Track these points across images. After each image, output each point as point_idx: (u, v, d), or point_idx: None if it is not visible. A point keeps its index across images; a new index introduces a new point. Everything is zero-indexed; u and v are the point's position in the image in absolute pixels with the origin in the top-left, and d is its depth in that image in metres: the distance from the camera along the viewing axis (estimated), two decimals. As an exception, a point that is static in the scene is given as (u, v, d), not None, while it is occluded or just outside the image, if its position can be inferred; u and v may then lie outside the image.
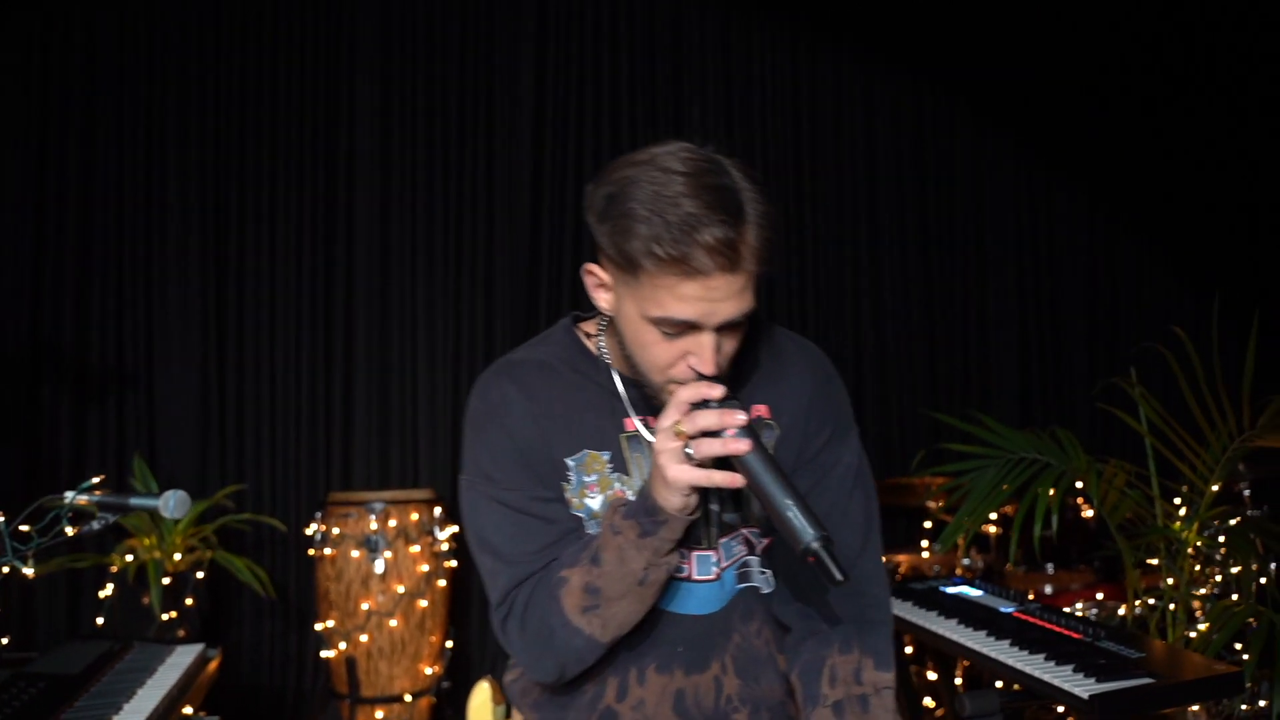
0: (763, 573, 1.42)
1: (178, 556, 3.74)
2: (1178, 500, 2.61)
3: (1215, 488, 2.47)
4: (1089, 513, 3.79)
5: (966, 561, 3.95)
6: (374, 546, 3.66)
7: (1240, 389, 2.37)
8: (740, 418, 1.18)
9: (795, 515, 1.15)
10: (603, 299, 1.31)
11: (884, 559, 3.98)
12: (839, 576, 1.13)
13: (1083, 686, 1.81)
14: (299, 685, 4.27)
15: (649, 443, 1.33)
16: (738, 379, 1.39)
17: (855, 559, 1.38)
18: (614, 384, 1.37)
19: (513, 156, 4.59)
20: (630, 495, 1.33)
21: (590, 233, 1.27)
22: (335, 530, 3.70)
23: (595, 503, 1.34)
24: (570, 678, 1.35)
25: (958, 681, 3.35)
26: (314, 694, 4.20)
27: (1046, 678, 1.88)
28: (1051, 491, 2.49)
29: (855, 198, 5.00)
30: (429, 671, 3.78)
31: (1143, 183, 5.19)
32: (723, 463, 1.20)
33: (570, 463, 1.35)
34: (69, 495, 1.96)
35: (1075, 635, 2.11)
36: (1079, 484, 2.62)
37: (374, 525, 3.66)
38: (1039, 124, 5.14)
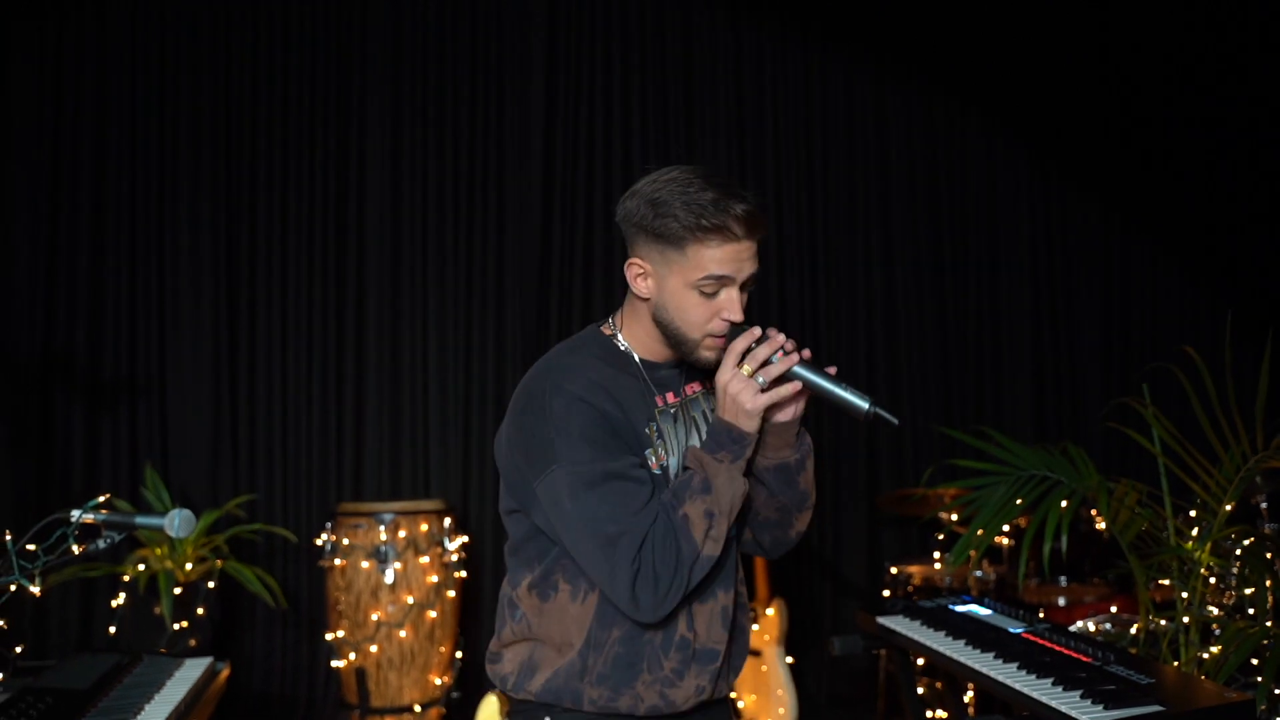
0: None
1: (189, 567, 3.76)
2: (1195, 518, 2.58)
3: (1229, 507, 2.44)
4: (1101, 526, 3.76)
5: (979, 574, 3.93)
6: (384, 557, 3.67)
7: (1254, 408, 2.34)
8: (781, 338, 1.51)
9: (849, 394, 1.49)
10: (643, 286, 1.58)
11: (896, 570, 3.91)
12: (896, 422, 1.48)
13: (1090, 714, 1.79)
14: (310, 695, 4.27)
15: (672, 417, 1.62)
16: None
17: None
18: (641, 371, 1.63)
19: (524, 169, 4.60)
20: (667, 459, 1.59)
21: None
22: (345, 541, 3.72)
23: (669, 462, 1.60)
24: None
25: (968, 696, 3.33)
26: (325, 704, 4.21)
27: (1054, 704, 1.85)
28: (1064, 505, 2.46)
29: (868, 211, 4.97)
30: (438, 682, 3.79)
31: (1159, 199, 5.15)
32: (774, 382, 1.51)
33: (647, 429, 1.59)
34: (75, 514, 1.97)
35: (1085, 659, 2.08)
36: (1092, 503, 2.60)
37: (384, 536, 3.67)
38: (1053, 137, 5.10)
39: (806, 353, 1.53)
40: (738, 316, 1.55)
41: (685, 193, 1.51)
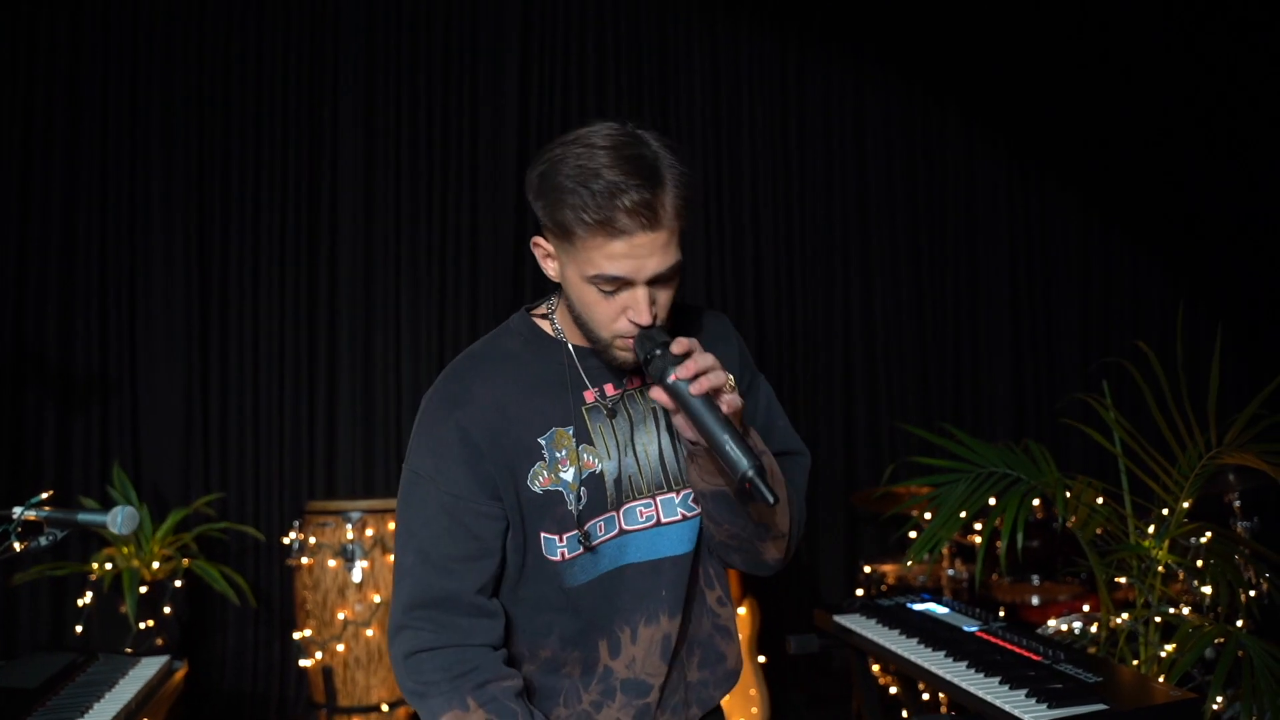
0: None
1: (155, 565, 3.73)
2: (1154, 514, 2.57)
3: (1186, 504, 2.42)
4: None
5: (952, 573, 3.91)
6: (350, 556, 3.64)
7: (1207, 404, 2.32)
8: (683, 346, 1.32)
9: (732, 448, 1.26)
10: (550, 268, 1.44)
11: (870, 569, 3.87)
12: (771, 500, 1.24)
13: (1033, 713, 1.78)
14: (282, 694, 4.25)
15: (609, 410, 1.47)
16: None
17: (789, 433, 1.62)
18: (572, 358, 1.48)
19: (496, 164, 4.58)
20: (598, 465, 1.44)
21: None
22: (312, 539, 3.69)
23: (569, 475, 1.44)
24: None
25: (926, 696, 3.32)
26: (295, 703, 4.19)
27: (998, 703, 1.85)
28: (1019, 506, 2.45)
29: (845, 207, 4.96)
30: (407, 682, 3.76)
31: (1136, 195, 5.16)
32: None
33: (541, 441, 1.44)
34: (17, 510, 1.95)
35: (1035, 657, 2.07)
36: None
37: (350, 534, 3.65)
38: (1030, 128, 5.10)
39: (706, 383, 1.29)
40: (643, 319, 1.35)
41: (580, 173, 1.30)
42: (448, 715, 1.37)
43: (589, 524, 1.45)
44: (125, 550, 3.74)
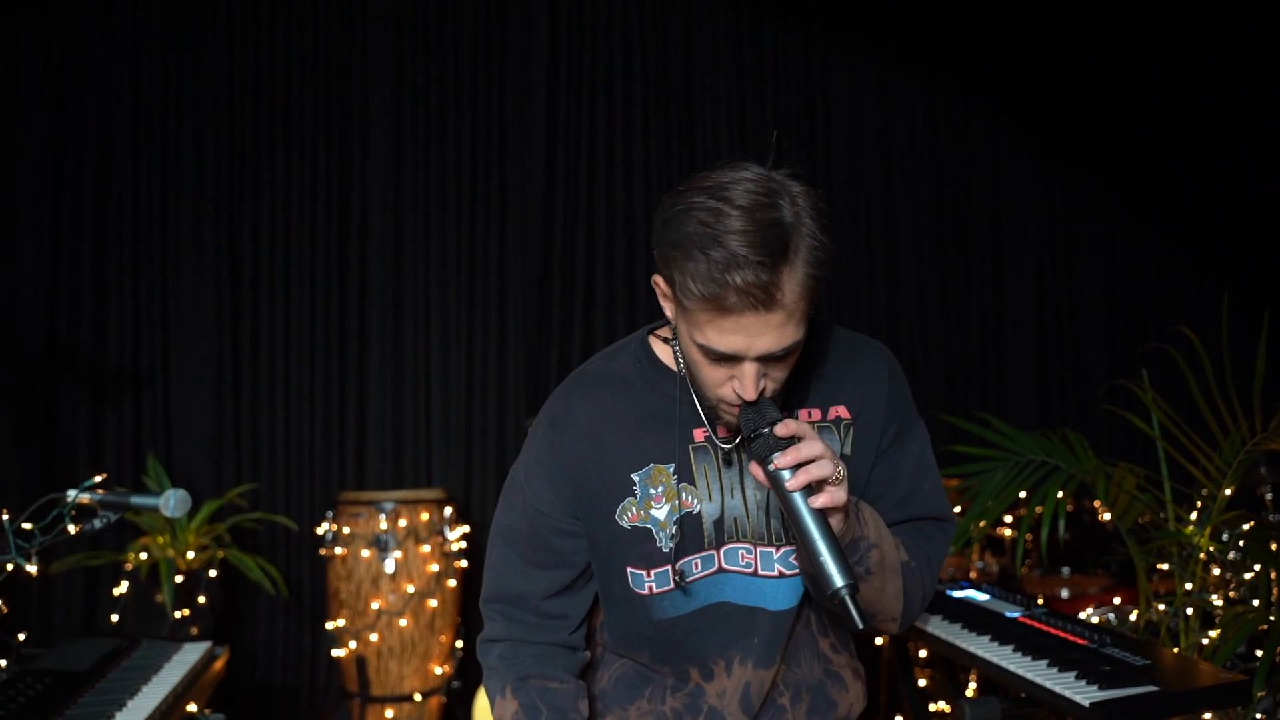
0: None
1: (191, 555, 3.76)
2: (1197, 504, 2.57)
3: (1228, 491, 2.42)
4: (1106, 516, 3.74)
5: (981, 565, 3.91)
6: (384, 546, 3.67)
7: (1253, 390, 2.32)
8: (789, 429, 1.22)
9: (825, 560, 1.17)
10: (668, 309, 1.33)
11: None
12: (859, 625, 1.17)
13: (1084, 694, 1.78)
14: (312, 683, 4.28)
15: (722, 450, 1.40)
16: (810, 384, 1.45)
17: (936, 497, 1.53)
18: (689, 394, 1.38)
19: (525, 162, 4.60)
20: (696, 505, 1.39)
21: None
22: (346, 530, 3.72)
23: (661, 513, 1.40)
24: None
25: (972, 687, 3.31)
26: (326, 692, 4.22)
27: (1048, 684, 1.85)
28: (1060, 494, 2.45)
29: (870, 199, 4.97)
30: (439, 671, 3.79)
31: (1161, 184, 5.14)
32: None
33: (635, 478, 1.40)
34: (71, 493, 1.97)
35: (1081, 641, 2.08)
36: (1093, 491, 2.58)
37: (384, 525, 3.67)
38: (1055, 123, 5.10)
39: (805, 477, 1.20)
40: (748, 395, 1.24)
41: (702, 236, 1.17)
42: (496, 699, 1.47)
43: (682, 561, 1.41)
44: (161, 540, 3.77)
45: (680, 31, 4.76)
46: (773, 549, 1.43)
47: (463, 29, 4.57)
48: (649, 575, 1.43)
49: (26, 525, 1.96)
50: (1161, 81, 5.07)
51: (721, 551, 1.42)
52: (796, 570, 1.42)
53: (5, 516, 1.96)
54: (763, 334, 1.20)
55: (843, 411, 1.46)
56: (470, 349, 4.51)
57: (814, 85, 4.92)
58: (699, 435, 1.41)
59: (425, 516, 3.73)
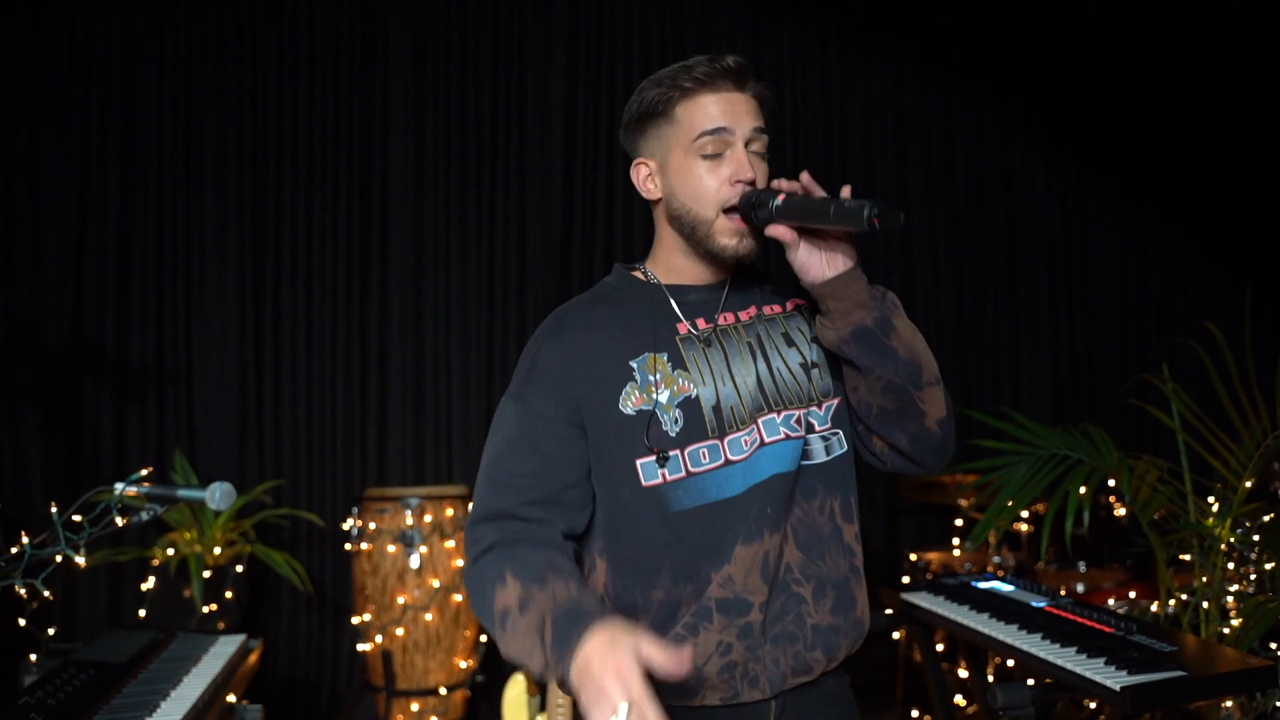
0: (825, 439, 1.52)
1: (218, 550, 3.81)
2: (1211, 497, 2.61)
3: (1249, 484, 2.46)
4: (1121, 511, 3.78)
5: (998, 559, 3.95)
6: (409, 541, 3.71)
7: (1274, 384, 2.36)
8: (784, 184, 1.40)
9: (849, 202, 1.31)
10: (651, 187, 1.52)
11: (915, 556, 3.86)
12: (901, 216, 1.31)
13: (1115, 679, 1.82)
14: (336, 678, 4.33)
15: (703, 340, 1.50)
16: (768, 286, 1.60)
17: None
18: (665, 298, 1.53)
19: (545, 158, 4.64)
20: (694, 390, 1.46)
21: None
22: (371, 525, 3.76)
23: (663, 396, 1.47)
24: None
25: (990, 679, 3.35)
26: (350, 687, 4.26)
27: (1079, 670, 1.89)
28: (1083, 489, 2.49)
29: (885, 198, 5.00)
30: (464, 665, 3.83)
31: (1174, 178, 5.16)
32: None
33: (634, 364, 1.48)
34: (119, 487, 2.01)
35: (1107, 629, 2.12)
36: (1111, 481, 2.62)
37: (409, 520, 3.72)
38: (1068, 120, 5.13)
39: (806, 176, 1.39)
40: (747, 174, 1.43)
41: (670, 70, 1.48)
42: (496, 589, 1.36)
43: (690, 448, 1.44)
44: (188, 536, 3.82)
45: (699, 32, 4.80)
46: (775, 414, 1.48)
47: (483, 28, 4.61)
48: (659, 463, 1.45)
49: (76, 518, 1.99)
50: (1177, 79, 5.09)
51: (725, 442, 1.46)
52: (800, 432, 1.48)
53: (55, 510, 2.00)
54: (744, 113, 1.45)
55: (799, 301, 1.60)
56: (490, 343, 4.56)
57: (830, 85, 4.96)
58: (682, 329, 1.51)
59: (450, 512, 3.77)
